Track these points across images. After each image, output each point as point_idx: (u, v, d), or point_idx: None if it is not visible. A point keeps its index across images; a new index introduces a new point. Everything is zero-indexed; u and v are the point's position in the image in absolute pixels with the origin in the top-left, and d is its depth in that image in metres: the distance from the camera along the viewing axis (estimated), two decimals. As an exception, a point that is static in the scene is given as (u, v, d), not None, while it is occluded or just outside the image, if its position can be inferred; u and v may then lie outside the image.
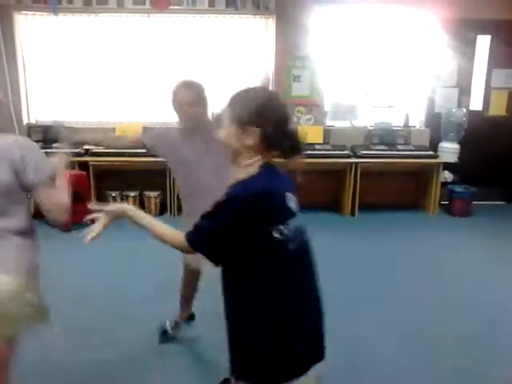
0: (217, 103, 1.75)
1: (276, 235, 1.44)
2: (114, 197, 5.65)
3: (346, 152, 5.72)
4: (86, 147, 5.58)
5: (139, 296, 3.55)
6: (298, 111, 6.02)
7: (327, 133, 5.95)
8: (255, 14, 5.85)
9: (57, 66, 5.88)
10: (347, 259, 4.43)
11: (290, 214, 1.50)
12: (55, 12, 5.56)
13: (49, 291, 2.69)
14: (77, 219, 5.08)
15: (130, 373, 2.67)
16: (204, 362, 2.83)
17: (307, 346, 1.55)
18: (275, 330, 1.48)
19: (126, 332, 3.06)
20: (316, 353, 1.60)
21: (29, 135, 5.58)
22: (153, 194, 5.67)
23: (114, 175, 5.75)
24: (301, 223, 1.55)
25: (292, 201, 1.53)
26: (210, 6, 5.71)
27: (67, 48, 5.82)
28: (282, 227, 1.45)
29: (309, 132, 5.89)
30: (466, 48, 6.16)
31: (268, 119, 1.46)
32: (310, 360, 1.56)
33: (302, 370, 1.52)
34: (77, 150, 5.50)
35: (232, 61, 5.94)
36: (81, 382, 2.60)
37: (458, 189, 5.98)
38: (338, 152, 5.72)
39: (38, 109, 5.98)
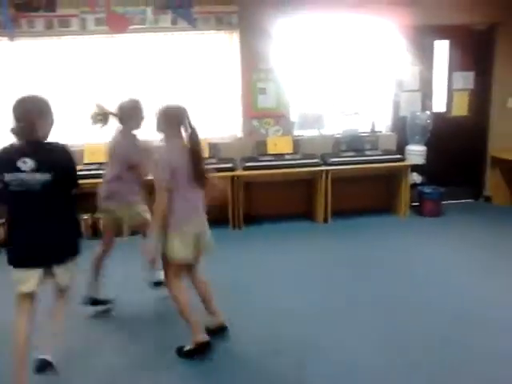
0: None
1: (1, 178, 2.48)
2: (85, 219, 5.60)
3: (315, 160, 5.80)
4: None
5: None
6: (265, 123, 6.09)
7: (296, 143, 6.03)
8: (218, 30, 5.91)
9: (19, 91, 5.80)
10: (321, 266, 4.48)
11: (17, 170, 2.45)
12: (11, 38, 5.51)
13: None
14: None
15: None
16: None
17: (28, 250, 2.54)
18: (10, 234, 2.59)
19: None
20: (38, 258, 2.55)
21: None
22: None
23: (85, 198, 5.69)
24: (35, 179, 2.47)
25: (25, 164, 2.46)
26: (172, 23, 5.75)
27: (29, 71, 5.76)
28: (5, 175, 2.47)
29: (278, 143, 5.97)
30: (426, 53, 6.35)
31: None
32: (31, 259, 2.54)
33: (24, 264, 2.54)
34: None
35: (199, 77, 5.99)
36: None
37: (427, 190, 6.11)
38: (308, 161, 5.79)
39: None
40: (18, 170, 2.45)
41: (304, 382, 2.72)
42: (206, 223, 3.04)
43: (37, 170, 2.47)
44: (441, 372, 2.77)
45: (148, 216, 3.45)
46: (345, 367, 2.85)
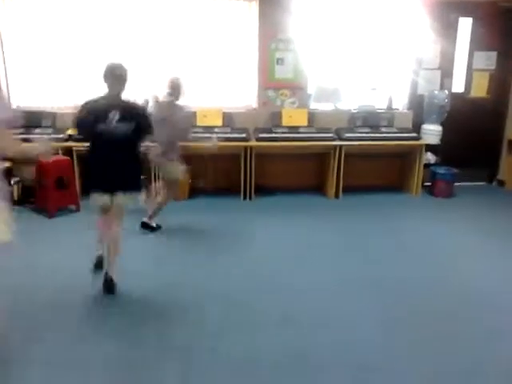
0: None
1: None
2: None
3: (330, 135, 5.76)
4: (70, 133, 5.52)
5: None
6: (281, 94, 6.03)
7: (311, 116, 5.98)
8: (238, -3, 5.80)
9: (36, 50, 5.77)
10: (329, 241, 4.48)
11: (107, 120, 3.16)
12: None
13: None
14: (61, 205, 5.09)
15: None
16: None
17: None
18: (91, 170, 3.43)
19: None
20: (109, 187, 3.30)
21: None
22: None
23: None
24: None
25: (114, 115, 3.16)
26: (192, -13, 5.65)
27: (46, 31, 5.71)
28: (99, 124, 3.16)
29: (293, 115, 5.92)
30: (448, 30, 6.21)
31: None
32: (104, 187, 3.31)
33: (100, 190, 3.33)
34: (61, 136, 5.45)
35: (216, 42, 5.91)
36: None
37: (440, 170, 6.07)
38: (322, 135, 5.75)
39: (20, 94, 5.89)
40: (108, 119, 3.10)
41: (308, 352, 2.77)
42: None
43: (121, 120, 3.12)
44: (442, 349, 2.80)
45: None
46: (346, 339, 2.88)
